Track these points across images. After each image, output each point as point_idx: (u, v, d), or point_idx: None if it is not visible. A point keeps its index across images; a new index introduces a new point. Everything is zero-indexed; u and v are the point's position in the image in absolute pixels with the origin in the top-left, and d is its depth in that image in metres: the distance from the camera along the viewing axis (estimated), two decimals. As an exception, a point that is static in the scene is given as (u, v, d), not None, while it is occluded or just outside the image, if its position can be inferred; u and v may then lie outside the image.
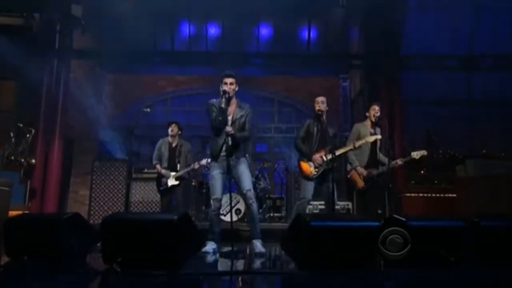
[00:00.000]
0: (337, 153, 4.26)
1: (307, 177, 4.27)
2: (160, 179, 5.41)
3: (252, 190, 3.86)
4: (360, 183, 4.65)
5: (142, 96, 10.23)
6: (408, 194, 6.63)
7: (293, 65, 9.33)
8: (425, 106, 8.84)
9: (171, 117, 10.32)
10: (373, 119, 4.74)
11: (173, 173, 5.34)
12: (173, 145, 5.44)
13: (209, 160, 4.73)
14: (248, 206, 3.86)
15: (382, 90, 8.04)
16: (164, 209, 5.43)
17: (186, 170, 5.32)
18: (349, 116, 10.21)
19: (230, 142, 3.79)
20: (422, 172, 7.59)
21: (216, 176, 3.86)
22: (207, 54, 9.18)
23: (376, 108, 4.76)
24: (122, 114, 10.20)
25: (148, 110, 4.89)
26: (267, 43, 9.66)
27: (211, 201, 3.86)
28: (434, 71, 8.60)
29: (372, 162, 4.69)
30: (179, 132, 5.49)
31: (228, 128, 3.76)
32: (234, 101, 3.97)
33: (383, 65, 8.12)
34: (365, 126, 4.78)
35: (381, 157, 4.78)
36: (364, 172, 4.60)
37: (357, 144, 4.38)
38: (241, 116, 3.92)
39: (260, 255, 3.64)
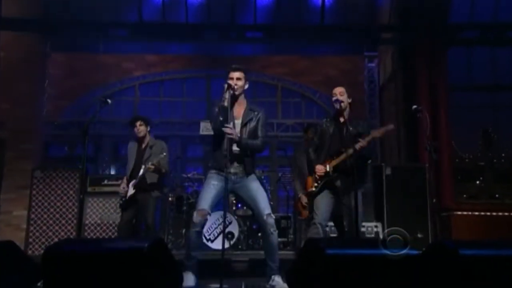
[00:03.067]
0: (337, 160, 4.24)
1: (310, 194, 4.34)
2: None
3: (272, 215, 3.91)
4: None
5: (101, 82, 10.18)
6: (458, 212, 6.63)
7: (302, 41, 9.31)
8: (479, 93, 8.85)
9: (140, 109, 10.29)
10: None
11: (132, 182, 5.24)
12: (142, 146, 5.39)
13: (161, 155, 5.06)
14: (267, 235, 3.88)
15: (422, 72, 8.03)
16: (121, 230, 5.24)
17: (142, 172, 5.17)
18: (377, 108, 10.20)
19: (233, 149, 3.84)
20: (477, 182, 7.58)
21: (211, 186, 3.86)
22: (187, 27, 9.15)
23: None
24: (73, 107, 10.16)
25: (109, 101, 4.80)
26: (267, 12, 9.65)
27: (194, 213, 3.86)
28: (492, 46, 8.59)
29: None
30: (149, 129, 5.45)
31: (230, 130, 3.77)
32: (243, 101, 4.02)
33: (424, 38, 8.12)
34: None
35: None
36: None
37: (359, 145, 4.37)
38: (251, 119, 3.98)
39: None
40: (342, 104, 4.32)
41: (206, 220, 3.88)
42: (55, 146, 9.93)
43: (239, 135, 3.84)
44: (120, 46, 10.11)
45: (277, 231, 3.91)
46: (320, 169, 4.26)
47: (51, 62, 10.04)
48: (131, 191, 5.22)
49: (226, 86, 3.83)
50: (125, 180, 5.36)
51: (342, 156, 4.22)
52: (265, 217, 3.85)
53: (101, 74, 10.19)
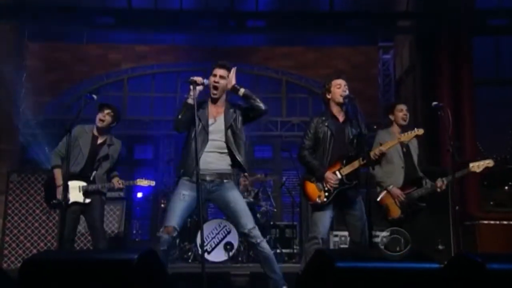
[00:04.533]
0: (348, 168, 4.21)
1: (315, 205, 4.26)
2: (52, 187, 4.93)
3: (256, 226, 3.87)
4: (395, 211, 4.73)
5: (85, 76, 10.20)
6: (485, 222, 6.61)
7: (308, 30, 9.30)
8: (508, 88, 8.82)
9: (129, 105, 10.33)
10: (402, 122, 5.01)
11: (80, 183, 4.90)
12: (99, 140, 5.01)
13: (149, 181, 4.97)
14: (256, 247, 3.86)
15: (444, 65, 8.02)
16: (67, 243, 4.81)
17: (106, 185, 4.92)
18: (393, 105, 10.20)
19: (207, 151, 3.85)
20: (506, 188, 7.56)
21: (181, 197, 3.83)
22: (182, 14, 9.16)
23: (404, 108, 5.06)
24: (55, 103, 10.18)
25: (95, 96, 4.79)
26: (271, -1, 9.71)
27: (160, 230, 3.83)
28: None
29: (409, 180, 4.82)
30: (113, 125, 5.07)
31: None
32: (222, 102, 4.04)
33: (446, 26, 8.11)
34: (392, 133, 4.95)
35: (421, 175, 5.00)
36: (400, 194, 4.69)
37: (377, 151, 4.37)
38: (235, 119, 4.00)
39: None
40: (343, 101, 4.31)
41: (173, 237, 3.82)
42: (34, 146, 9.93)
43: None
44: (106, 36, 10.11)
45: (265, 240, 3.90)
46: (332, 178, 4.20)
47: (28, 53, 10.05)
48: (79, 195, 4.86)
49: (189, 82, 3.81)
50: (58, 175, 4.88)
51: (355, 164, 4.20)
52: (247, 230, 3.82)
53: (85, 66, 10.22)
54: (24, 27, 9.55)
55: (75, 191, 4.86)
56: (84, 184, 4.86)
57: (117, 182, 4.94)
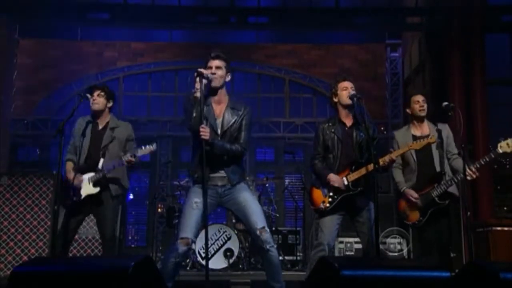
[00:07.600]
0: (355, 173, 4.21)
1: (319, 211, 4.32)
2: (68, 186, 4.74)
3: (267, 229, 3.91)
4: (414, 215, 4.71)
5: (79, 74, 10.20)
6: (498, 228, 6.59)
7: (313, 26, 9.31)
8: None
9: (125, 105, 10.31)
10: (419, 114, 4.89)
11: (89, 175, 4.67)
12: (100, 126, 4.86)
13: (149, 146, 4.65)
14: (265, 252, 3.88)
15: (455, 63, 8.01)
16: (60, 240, 4.61)
17: (112, 165, 4.67)
18: (400, 105, 10.19)
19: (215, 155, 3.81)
20: (521, 192, 7.57)
21: (194, 206, 3.83)
22: (180, 9, 9.18)
23: (420, 99, 4.93)
24: (47, 102, 10.18)
25: (89, 96, 4.81)
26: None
27: (176, 242, 3.83)
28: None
29: (426, 179, 4.76)
30: (109, 105, 4.89)
31: (203, 130, 3.68)
32: (223, 97, 4.01)
33: (458, 23, 8.10)
34: (408, 131, 4.92)
35: (453, 166, 4.85)
36: (413, 195, 4.66)
37: (387, 158, 4.35)
38: (235, 121, 3.96)
39: None
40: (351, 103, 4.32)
41: (190, 248, 3.86)
42: (25, 148, 9.95)
43: (208, 137, 3.72)
44: (101, 32, 10.12)
45: (275, 246, 3.92)
46: (335, 179, 4.21)
47: (19, 50, 10.07)
48: (89, 188, 4.69)
49: (195, 74, 3.75)
50: (70, 168, 4.74)
51: (362, 171, 4.21)
52: (257, 232, 3.84)
53: (79, 64, 10.22)
54: (15, 22, 9.57)
55: (85, 185, 4.71)
56: (92, 174, 4.68)
57: (127, 155, 4.65)
